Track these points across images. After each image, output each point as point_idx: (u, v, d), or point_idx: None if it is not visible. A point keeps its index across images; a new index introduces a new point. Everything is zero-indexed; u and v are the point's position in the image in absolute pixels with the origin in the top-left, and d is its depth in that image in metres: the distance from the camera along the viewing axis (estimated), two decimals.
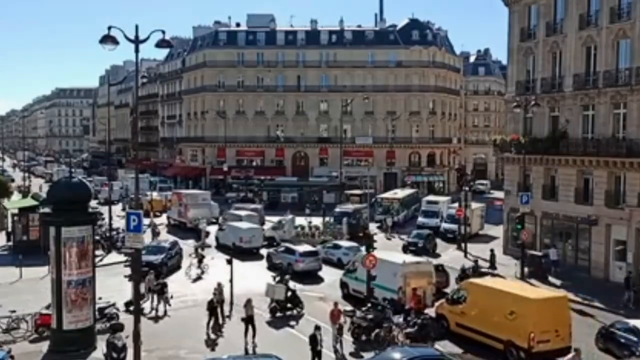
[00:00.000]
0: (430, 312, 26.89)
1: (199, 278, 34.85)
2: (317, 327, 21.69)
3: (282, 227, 45.90)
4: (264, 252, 41.46)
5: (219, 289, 26.80)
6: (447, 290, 30.35)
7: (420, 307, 26.53)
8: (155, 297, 28.11)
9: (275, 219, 49.61)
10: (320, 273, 36.41)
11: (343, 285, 31.72)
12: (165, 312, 27.73)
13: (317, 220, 51.23)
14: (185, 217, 52.54)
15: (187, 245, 42.71)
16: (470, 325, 23.94)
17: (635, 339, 21.79)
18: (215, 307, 25.79)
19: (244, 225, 44.31)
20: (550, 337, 21.66)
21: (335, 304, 24.39)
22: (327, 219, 47.75)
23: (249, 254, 40.62)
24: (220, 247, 43.60)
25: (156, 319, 27.13)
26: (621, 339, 22.30)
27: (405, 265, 28.53)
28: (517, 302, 22.54)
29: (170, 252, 37.53)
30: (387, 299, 27.33)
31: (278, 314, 27.63)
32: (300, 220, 50.65)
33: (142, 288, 27.64)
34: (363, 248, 31.78)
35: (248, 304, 24.39)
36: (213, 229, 48.30)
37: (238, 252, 37.92)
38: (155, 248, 36.92)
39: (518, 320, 22.00)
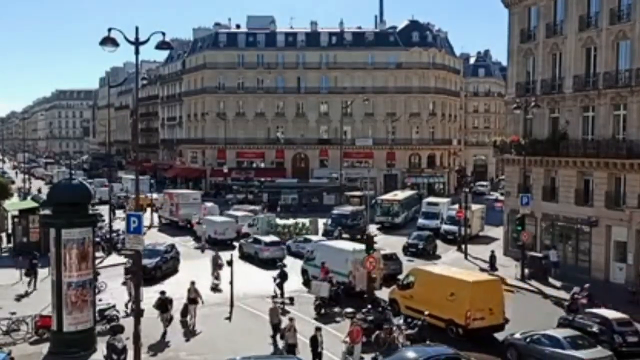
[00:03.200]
0: (378, 293, 29.53)
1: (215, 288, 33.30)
2: (318, 329, 21.69)
3: (256, 224, 48.34)
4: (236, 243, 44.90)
5: (275, 311, 24.54)
6: (401, 276, 31.35)
7: (328, 277, 29.74)
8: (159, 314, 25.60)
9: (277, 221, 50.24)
10: (292, 264, 37.57)
11: (303, 272, 34.65)
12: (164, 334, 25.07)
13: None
14: (176, 215, 55.01)
15: (187, 247, 42.93)
16: (417, 307, 25.84)
17: (604, 327, 23.04)
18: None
19: (218, 219, 48.86)
20: (485, 315, 24.28)
21: (353, 322, 22.74)
22: (299, 220, 50.52)
23: (223, 245, 43.80)
24: (198, 239, 47.36)
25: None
26: (588, 328, 23.35)
27: (355, 252, 31.29)
28: (455, 285, 25.18)
29: (166, 255, 36.69)
30: (339, 282, 30.32)
31: (322, 311, 27.86)
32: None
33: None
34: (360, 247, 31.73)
35: (290, 330, 21.79)
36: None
37: (213, 242, 44.39)
38: (149, 251, 35.74)
39: (457, 300, 24.50)
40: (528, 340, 22.07)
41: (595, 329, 23.21)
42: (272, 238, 42.27)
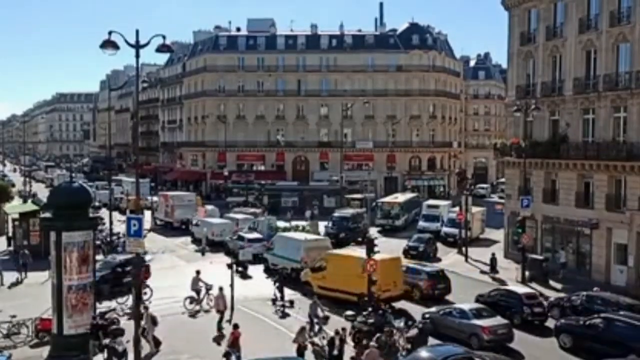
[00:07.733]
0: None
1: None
2: (340, 330, 21.76)
3: (256, 227, 48.48)
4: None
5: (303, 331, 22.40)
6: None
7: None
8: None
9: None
10: None
11: (264, 260, 38.65)
12: None
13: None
14: (171, 217, 56.11)
15: (188, 250, 42.74)
16: (331, 287, 30.02)
17: (514, 301, 27.42)
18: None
19: (215, 220, 49.99)
20: (390, 287, 28.94)
21: (355, 330, 23.53)
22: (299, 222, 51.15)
23: (220, 245, 44.99)
24: (195, 241, 48.44)
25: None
26: (501, 302, 27.65)
27: (306, 241, 36.28)
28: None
29: (117, 270, 32.36)
30: (294, 268, 34.67)
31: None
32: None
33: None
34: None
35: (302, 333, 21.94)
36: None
37: (210, 244, 45.52)
38: (105, 263, 33.08)
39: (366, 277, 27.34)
40: (442, 313, 25.92)
41: (507, 302, 27.48)
42: (254, 235, 43.87)
